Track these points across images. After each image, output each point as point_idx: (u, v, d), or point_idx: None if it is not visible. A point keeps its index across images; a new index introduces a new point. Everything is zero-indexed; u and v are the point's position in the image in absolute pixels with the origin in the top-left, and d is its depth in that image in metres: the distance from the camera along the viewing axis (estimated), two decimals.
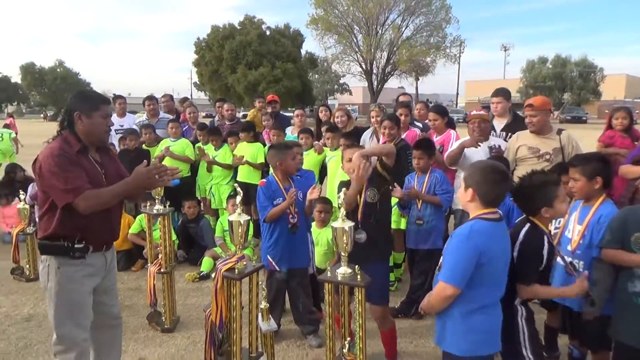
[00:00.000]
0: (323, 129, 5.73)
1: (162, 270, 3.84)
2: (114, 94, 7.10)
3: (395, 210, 4.54)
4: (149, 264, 4.02)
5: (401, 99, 5.63)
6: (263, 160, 5.95)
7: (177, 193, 5.36)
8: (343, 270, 2.30)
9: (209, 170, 6.14)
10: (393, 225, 4.66)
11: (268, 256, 3.64)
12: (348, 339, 2.39)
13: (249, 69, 31.59)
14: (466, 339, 2.14)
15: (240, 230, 2.38)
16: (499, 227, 2.19)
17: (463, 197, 2.24)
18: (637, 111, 35.57)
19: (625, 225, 2.51)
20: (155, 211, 3.80)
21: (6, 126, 13.86)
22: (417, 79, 41.03)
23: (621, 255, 2.51)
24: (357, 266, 2.27)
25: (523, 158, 4.24)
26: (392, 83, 41.57)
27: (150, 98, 6.73)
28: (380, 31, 32.93)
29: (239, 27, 33.24)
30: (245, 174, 6.00)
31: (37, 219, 2.63)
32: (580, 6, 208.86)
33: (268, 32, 33.24)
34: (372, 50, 32.39)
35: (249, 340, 2.55)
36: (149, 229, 4.03)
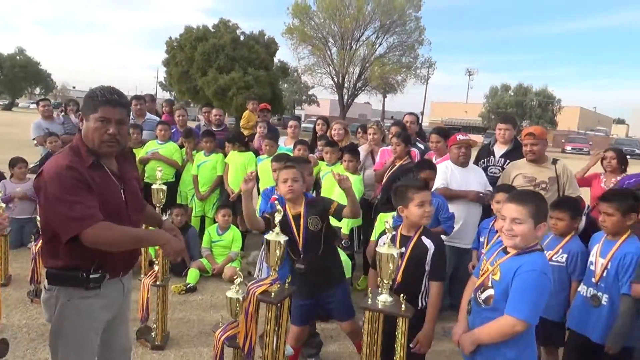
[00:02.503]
0: (320, 142, 5.64)
1: (157, 283, 3.61)
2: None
3: None
4: (142, 275, 3.77)
5: (406, 118, 5.60)
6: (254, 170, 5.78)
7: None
8: (384, 298, 2.19)
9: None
10: None
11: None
12: None
13: (220, 73, 31.03)
14: None
15: (278, 252, 2.22)
16: None
17: (532, 234, 2.12)
18: (590, 142, 37.40)
19: None
20: None
21: None
22: (384, 96, 41.69)
23: None
24: (402, 295, 2.17)
25: (519, 187, 4.27)
26: (360, 98, 42.12)
27: (138, 97, 6.45)
28: (354, 46, 33.33)
29: (212, 30, 32.69)
30: (235, 183, 5.81)
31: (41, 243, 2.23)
32: (543, 39, 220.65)
33: (242, 38, 32.87)
34: (345, 64, 32.68)
35: None
36: None
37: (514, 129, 4.87)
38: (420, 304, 2.66)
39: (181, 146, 6.18)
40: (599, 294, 2.80)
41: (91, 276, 2.07)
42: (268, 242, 2.26)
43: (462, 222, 4.19)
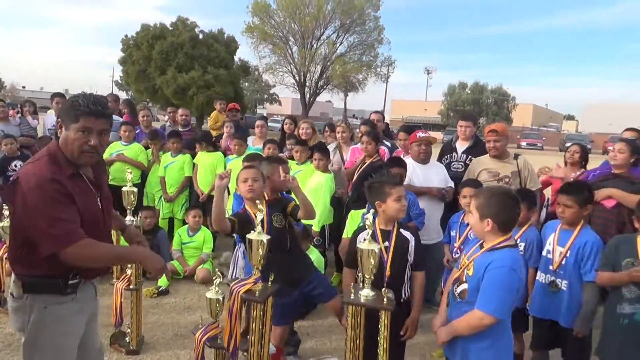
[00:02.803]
0: (289, 141, 5.67)
1: (131, 286, 3.55)
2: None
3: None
4: (114, 280, 3.70)
5: (372, 117, 5.70)
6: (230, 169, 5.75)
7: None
8: (366, 293, 2.25)
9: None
10: None
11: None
12: None
13: (179, 71, 30.44)
14: None
15: (260, 251, 2.25)
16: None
17: (479, 226, 2.25)
18: (543, 138, 38.71)
19: (617, 251, 2.72)
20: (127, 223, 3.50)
21: None
22: (346, 95, 42.05)
23: (613, 276, 2.71)
24: (384, 289, 2.24)
25: (484, 181, 4.44)
26: (322, 97, 42.32)
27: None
28: (315, 45, 33.52)
29: (170, 28, 32.00)
30: (204, 183, 5.76)
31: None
32: (497, 39, 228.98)
33: (201, 36, 32.34)
34: (307, 63, 32.79)
35: None
36: (118, 242, 3.71)
37: (474, 125, 5.06)
38: (403, 295, 2.75)
39: (145, 147, 6.06)
40: (558, 280, 2.96)
41: (70, 282, 2.06)
42: (250, 241, 2.28)
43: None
